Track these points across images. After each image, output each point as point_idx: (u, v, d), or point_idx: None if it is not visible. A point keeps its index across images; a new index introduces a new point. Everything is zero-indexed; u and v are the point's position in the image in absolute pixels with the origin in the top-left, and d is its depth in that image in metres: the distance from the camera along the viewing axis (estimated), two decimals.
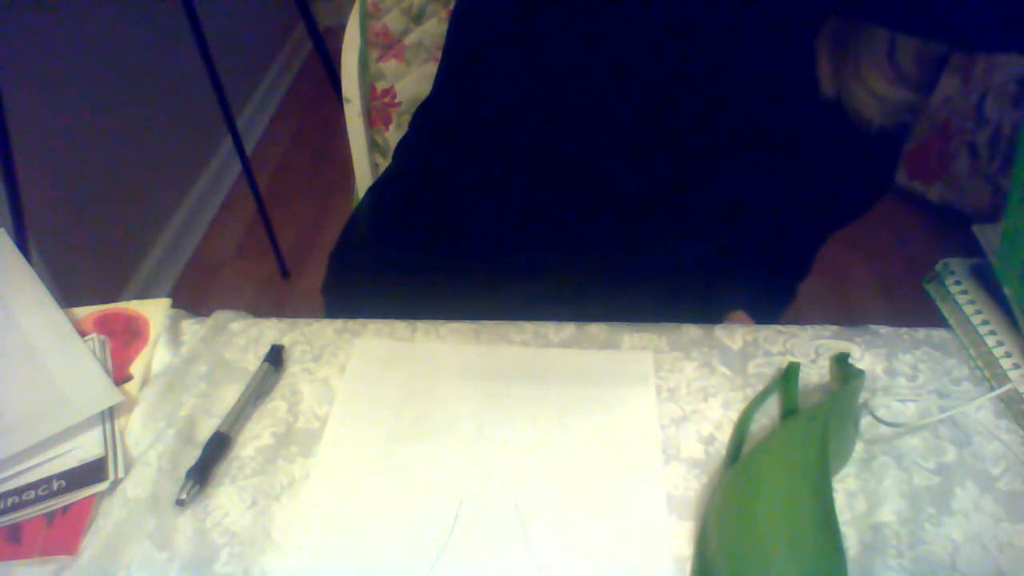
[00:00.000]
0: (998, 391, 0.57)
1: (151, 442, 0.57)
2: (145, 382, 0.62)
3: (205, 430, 0.58)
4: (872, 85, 0.55)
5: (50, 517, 0.53)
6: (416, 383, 0.61)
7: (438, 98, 0.71)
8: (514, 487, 0.53)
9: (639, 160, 0.61)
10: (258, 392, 0.60)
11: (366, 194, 0.86)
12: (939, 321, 0.65)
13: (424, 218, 0.74)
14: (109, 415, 0.59)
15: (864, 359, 0.61)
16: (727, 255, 0.73)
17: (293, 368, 0.63)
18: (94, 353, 0.63)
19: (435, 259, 0.74)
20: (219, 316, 0.68)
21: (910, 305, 0.70)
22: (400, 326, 0.66)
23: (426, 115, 0.74)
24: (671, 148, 0.60)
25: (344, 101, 0.91)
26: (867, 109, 0.56)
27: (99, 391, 0.59)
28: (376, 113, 0.92)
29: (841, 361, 0.60)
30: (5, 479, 0.55)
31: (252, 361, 0.63)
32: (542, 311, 0.66)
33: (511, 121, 0.63)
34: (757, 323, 0.67)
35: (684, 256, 0.71)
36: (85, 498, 0.54)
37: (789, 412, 0.57)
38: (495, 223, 0.70)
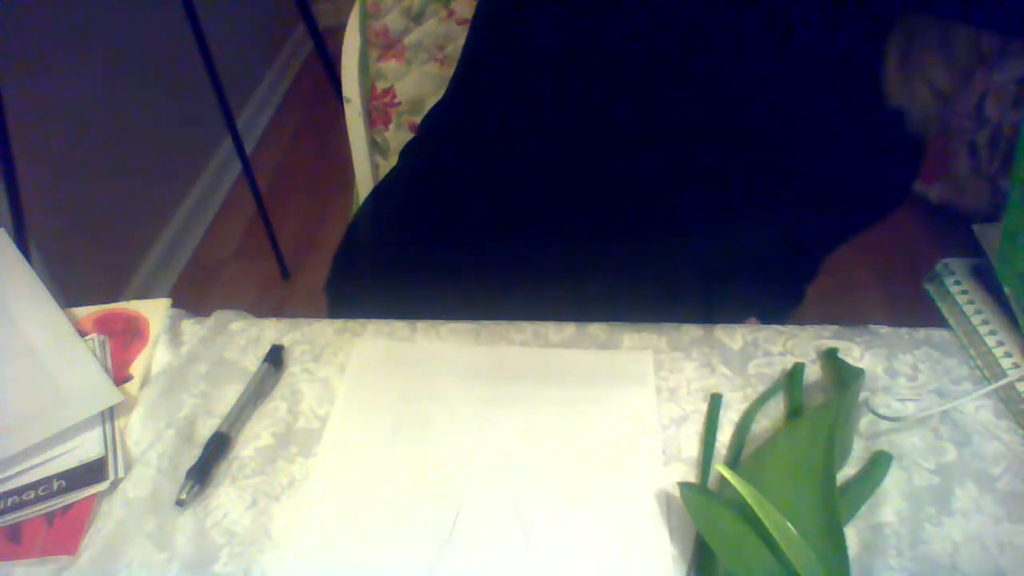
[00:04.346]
0: (996, 385, 0.57)
1: (151, 442, 0.57)
2: (145, 382, 0.62)
3: (205, 430, 0.58)
4: (935, 79, 0.54)
5: (50, 517, 0.53)
6: (416, 383, 0.61)
7: (446, 101, 0.72)
8: (514, 487, 0.53)
9: (640, 160, 0.61)
10: (258, 392, 0.60)
11: (369, 195, 0.86)
12: (939, 321, 0.65)
13: (427, 218, 0.74)
14: (109, 415, 0.59)
15: (864, 359, 0.61)
16: (730, 256, 0.73)
17: (293, 368, 0.63)
18: (94, 353, 0.63)
19: (437, 259, 0.74)
20: (219, 316, 0.68)
21: (910, 305, 0.70)
22: (400, 326, 0.66)
23: (434, 118, 0.74)
24: (672, 149, 0.60)
25: (344, 101, 0.91)
26: (925, 107, 0.55)
27: (99, 391, 0.59)
28: (376, 113, 0.92)
29: (831, 357, 0.60)
30: (5, 479, 0.55)
31: (252, 361, 0.63)
32: (542, 311, 0.66)
33: (513, 123, 0.63)
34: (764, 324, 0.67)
35: (685, 257, 0.71)
36: (85, 498, 0.54)
37: (793, 413, 0.57)
38: (496, 222, 0.70)
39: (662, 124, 0.59)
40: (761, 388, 0.59)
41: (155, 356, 0.64)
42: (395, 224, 0.78)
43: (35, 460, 0.56)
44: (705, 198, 0.64)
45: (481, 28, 0.65)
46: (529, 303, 0.69)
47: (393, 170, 0.83)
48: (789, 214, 0.66)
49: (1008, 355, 0.58)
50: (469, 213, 0.70)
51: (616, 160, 0.61)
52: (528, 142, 0.63)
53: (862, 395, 0.57)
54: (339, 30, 0.90)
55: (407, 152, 0.79)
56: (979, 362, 0.60)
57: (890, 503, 0.51)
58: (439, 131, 0.72)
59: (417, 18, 0.86)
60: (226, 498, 0.54)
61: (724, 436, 0.56)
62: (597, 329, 0.64)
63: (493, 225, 0.70)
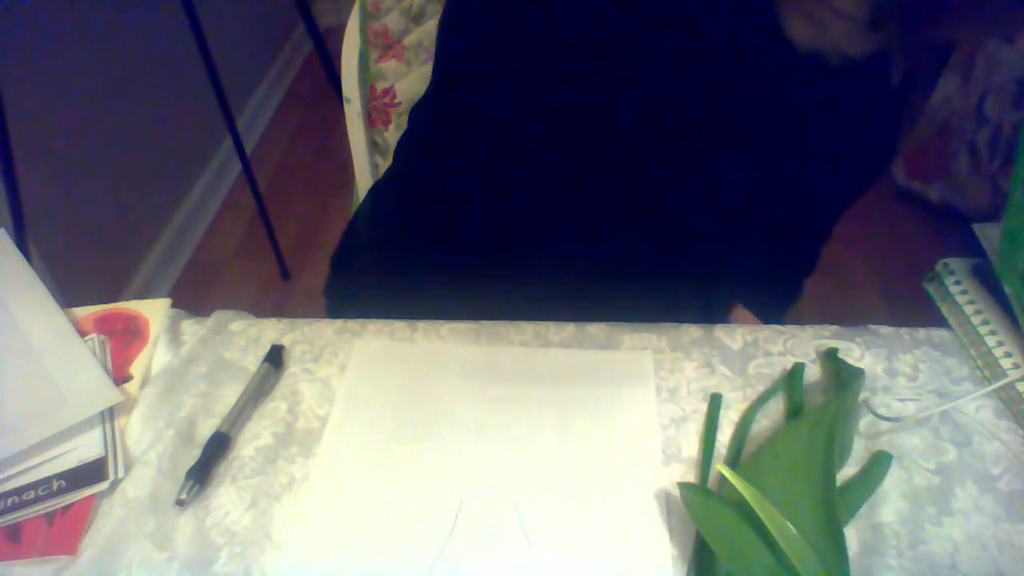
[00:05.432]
0: (996, 385, 0.57)
1: (151, 442, 0.57)
2: (145, 382, 0.62)
3: (205, 430, 0.58)
4: (840, 4, 0.51)
5: (50, 517, 0.53)
6: (416, 383, 0.61)
7: (432, 97, 0.71)
8: (514, 487, 0.53)
9: (636, 157, 0.61)
10: (258, 392, 0.60)
11: (367, 195, 0.86)
12: (939, 321, 0.65)
13: (424, 218, 0.74)
14: (109, 415, 0.59)
15: (864, 359, 0.61)
16: (728, 251, 0.73)
17: (293, 368, 0.63)
18: (94, 353, 0.63)
19: (436, 259, 0.74)
20: (219, 316, 0.68)
21: (910, 305, 0.70)
22: (400, 326, 0.66)
23: (422, 114, 0.74)
24: (668, 145, 0.60)
25: (344, 101, 0.91)
26: (839, 35, 0.52)
27: (99, 391, 0.59)
28: (376, 113, 0.92)
29: (832, 357, 0.60)
30: (5, 479, 0.55)
31: (252, 361, 0.63)
32: (542, 311, 0.66)
33: (507, 119, 0.63)
34: (764, 322, 0.67)
35: (684, 253, 0.71)
36: (85, 498, 0.54)
37: (794, 413, 0.57)
38: (495, 222, 0.70)
39: (659, 122, 0.59)
40: (761, 388, 0.59)
41: (155, 356, 0.64)
42: (394, 224, 0.78)
43: (35, 460, 0.56)
44: (703, 195, 0.64)
45: (462, 19, 0.63)
46: (529, 303, 0.69)
47: (391, 170, 0.83)
48: (784, 196, 0.65)
49: (1008, 355, 0.58)
50: (468, 213, 0.70)
51: (613, 159, 0.61)
52: (527, 143, 0.63)
53: (862, 395, 0.57)
54: (339, 30, 0.90)
55: (399, 149, 0.79)
56: (979, 362, 0.60)
57: (890, 503, 0.51)
58: (428, 127, 0.72)
59: (417, 18, 0.86)
60: (226, 498, 0.54)
61: (724, 436, 0.56)
62: (597, 329, 0.64)
63: (492, 225, 0.70)
